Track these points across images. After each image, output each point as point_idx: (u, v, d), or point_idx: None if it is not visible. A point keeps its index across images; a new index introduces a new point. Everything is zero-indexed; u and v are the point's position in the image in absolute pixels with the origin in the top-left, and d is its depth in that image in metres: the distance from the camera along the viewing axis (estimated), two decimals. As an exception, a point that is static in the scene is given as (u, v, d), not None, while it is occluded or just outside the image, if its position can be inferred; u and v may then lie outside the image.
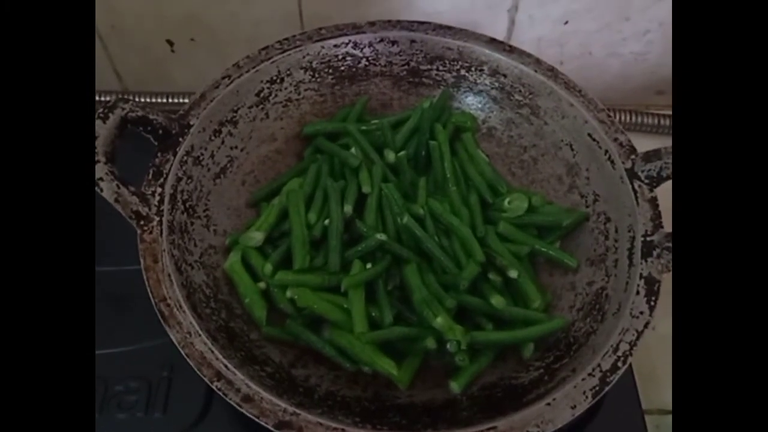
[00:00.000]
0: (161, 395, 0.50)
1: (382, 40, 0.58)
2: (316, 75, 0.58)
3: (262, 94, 0.55)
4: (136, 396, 0.50)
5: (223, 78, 0.53)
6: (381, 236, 0.47)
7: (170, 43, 0.72)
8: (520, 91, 0.56)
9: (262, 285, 0.48)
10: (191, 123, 0.50)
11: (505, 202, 0.51)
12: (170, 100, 0.77)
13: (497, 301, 0.45)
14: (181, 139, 0.49)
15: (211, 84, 0.53)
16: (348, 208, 0.50)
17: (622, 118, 0.70)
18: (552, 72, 0.55)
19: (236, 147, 0.54)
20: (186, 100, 0.78)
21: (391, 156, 0.54)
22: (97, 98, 0.76)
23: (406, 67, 0.59)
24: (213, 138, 0.52)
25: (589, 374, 0.40)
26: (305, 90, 0.58)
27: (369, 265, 0.48)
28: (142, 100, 0.76)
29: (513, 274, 0.47)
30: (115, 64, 0.75)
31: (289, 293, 0.47)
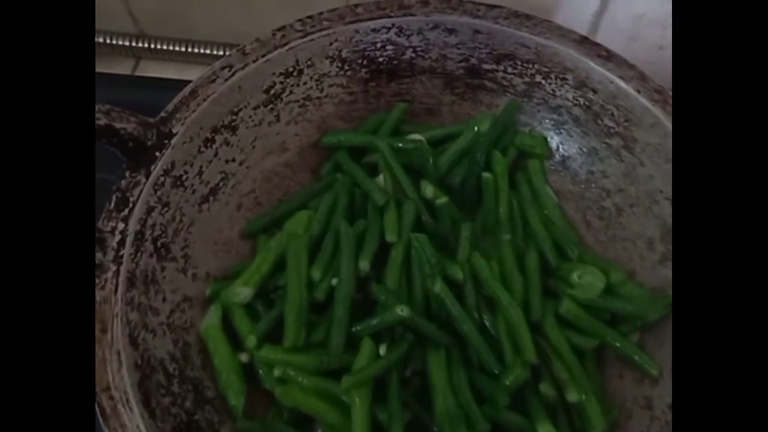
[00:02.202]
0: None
1: (435, 27, 0.44)
2: (346, 67, 0.44)
3: (273, 91, 0.43)
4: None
5: (223, 68, 0.41)
6: (402, 311, 0.36)
7: (188, -19, 0.62)
8: (612, 114, 0.42)
9: (244, 357, 0.38)
10: (174, 131, 0.39)
11: (574, 275, 0.39)
12: (189, 50, 0.68)
13: (546, 431, 0.34)
14: (158, 154, 0.38)
15: (206, 77, 0.41)
16: (364, 264, 0.38)
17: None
18: (660, 95, 0.40)
19: (233, 160, 0.42)
20: (208, 51, 0.67)
21: (428, 190, 0.41)
22: (111, 41, 0.68)
23: (464, 64, 0.45)
24: (203, 149, 0.40)
25: None
26: (330, 86, 0.45)
27: (382, 348, 0.36)
28: (160, 47, 0.67)
29: (573, 397, 0.35)
30: (129, 4, 0.65)
31: (276, 373, 0.36)
